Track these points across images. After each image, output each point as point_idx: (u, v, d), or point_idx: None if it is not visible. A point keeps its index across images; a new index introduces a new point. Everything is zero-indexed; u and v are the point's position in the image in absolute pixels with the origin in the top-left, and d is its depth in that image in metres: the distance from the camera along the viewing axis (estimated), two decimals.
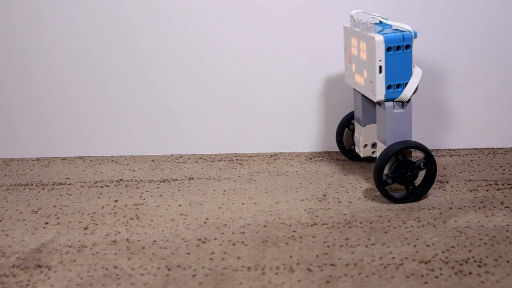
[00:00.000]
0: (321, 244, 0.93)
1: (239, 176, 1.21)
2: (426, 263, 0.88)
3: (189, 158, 1.31)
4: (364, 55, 1.06)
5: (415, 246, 0.92)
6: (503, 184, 1.14)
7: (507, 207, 1.05)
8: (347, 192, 1.12)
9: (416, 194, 1.07)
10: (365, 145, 1.18)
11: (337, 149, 1.32)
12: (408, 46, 1.02)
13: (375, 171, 1.04)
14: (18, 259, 0.91)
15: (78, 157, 1.33)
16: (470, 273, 0.85)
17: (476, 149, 1.33)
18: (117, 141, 1.32)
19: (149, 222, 1.02)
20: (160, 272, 0.87)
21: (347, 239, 0.95)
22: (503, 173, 1.19)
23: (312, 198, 1.10)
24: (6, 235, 0.98)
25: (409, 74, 1.04)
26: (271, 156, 1.31)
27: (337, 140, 1.26)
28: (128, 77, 1.27)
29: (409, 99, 1.05)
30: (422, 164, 1.05)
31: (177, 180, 1.19)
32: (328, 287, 0.82)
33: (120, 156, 1.33)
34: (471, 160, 1.26)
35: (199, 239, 0.96)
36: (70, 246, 0.94)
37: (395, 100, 1.04)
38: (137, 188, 1.16)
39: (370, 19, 1.08)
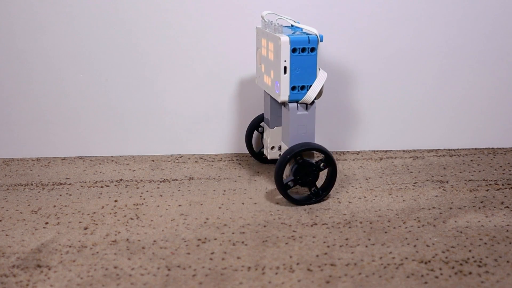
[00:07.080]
0: (321, 244, 0.93)
1: (239, 176, 1.21)
2: (426, 263, 0.88)
3: (189, 158, 1.31)
4: (272, 55, 1.06)
5: (415, 246, 0.92)
6: (503, 184, 1.14)
7: (507, 207, 1.05)
8: (347, 192, 1.12)
9: (319, 195, 1.07)
10: (272, 147, 1.18)
11: (337, 149, 1.32)
12: (313, 49, 1.02)
13: (275, 172, 1.04)
14: (18, 259, 0.91)
15: (78, 157, 1.33)
16: (470, 273, 0.85)
17: (476, 149, 1.33)
18: (117, 141, 1.32)
19: (149, 222, 1.02)
20: (160, 272, 0.87)
21: (347, 239, 0.95)
22: (503, 173, 1.19)
23: None
24: (6, 235, 0.98)
25: (313, 76, 1.04)
26: None
27: (246, 142, 1.26)
28: (128, 77, 1.27)
29: (313, 102, 1.05)
30: (321, 164, 1.06)
31: (177, 180, 1.19)
32: (328, 287, 0.82)
33: (120, 156, 1.33)
34: (471, 160, 1.26)
35: (199, 239, 0.96)
36: (70, 246, 0.94)
37: (299, 101, 1.05)
38: (137, 188, 1.16)
39: (278, 20, 1.07)
